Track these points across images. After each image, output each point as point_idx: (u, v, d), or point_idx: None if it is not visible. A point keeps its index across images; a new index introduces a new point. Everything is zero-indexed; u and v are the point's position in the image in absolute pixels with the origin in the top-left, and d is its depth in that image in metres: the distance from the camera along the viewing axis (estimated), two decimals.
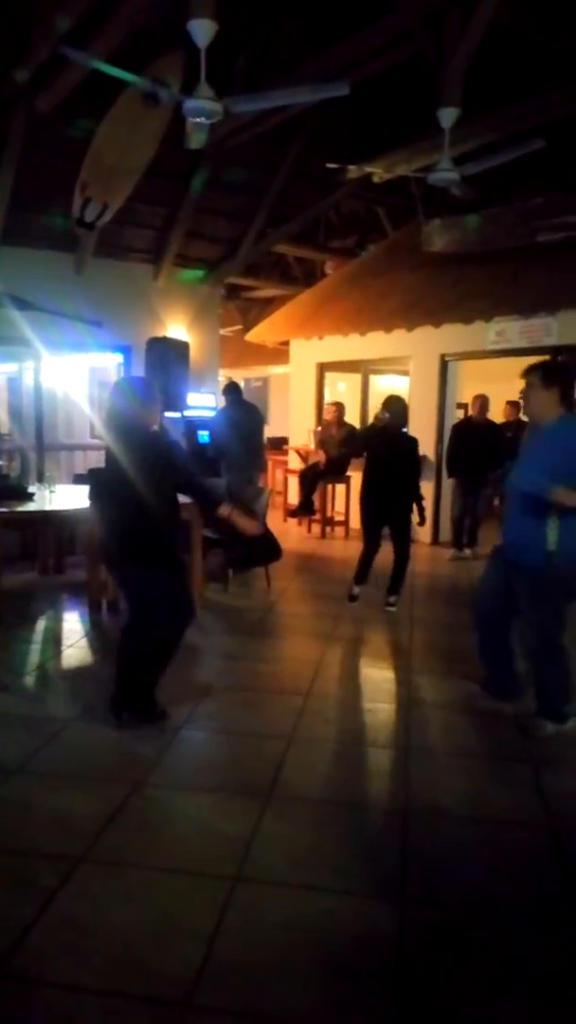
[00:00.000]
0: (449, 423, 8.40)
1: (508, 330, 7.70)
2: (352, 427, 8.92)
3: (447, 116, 5.28)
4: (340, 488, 9.15)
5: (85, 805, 2.89)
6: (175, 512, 3.62)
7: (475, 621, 3.79)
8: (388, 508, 5.75)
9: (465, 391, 9.04)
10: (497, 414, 8.61)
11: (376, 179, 7.90)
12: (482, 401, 7.84)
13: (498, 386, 9.27)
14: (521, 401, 3.61)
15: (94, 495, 4.01)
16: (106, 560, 3.74)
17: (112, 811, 2.84)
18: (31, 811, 2.87)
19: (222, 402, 7.94)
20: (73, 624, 5.42)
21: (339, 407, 9.26)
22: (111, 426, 3.53)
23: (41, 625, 5.45)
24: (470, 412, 8.09)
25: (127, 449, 3.40)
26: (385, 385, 11.30)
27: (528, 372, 3.45)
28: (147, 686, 3.62)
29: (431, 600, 6.34)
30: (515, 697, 3.74)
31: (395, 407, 5.77)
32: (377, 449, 5.77)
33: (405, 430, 6.09)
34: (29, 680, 4.33)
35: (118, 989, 2.01)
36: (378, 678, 4.44)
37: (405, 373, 9.21)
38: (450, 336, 8.14)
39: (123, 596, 3.82)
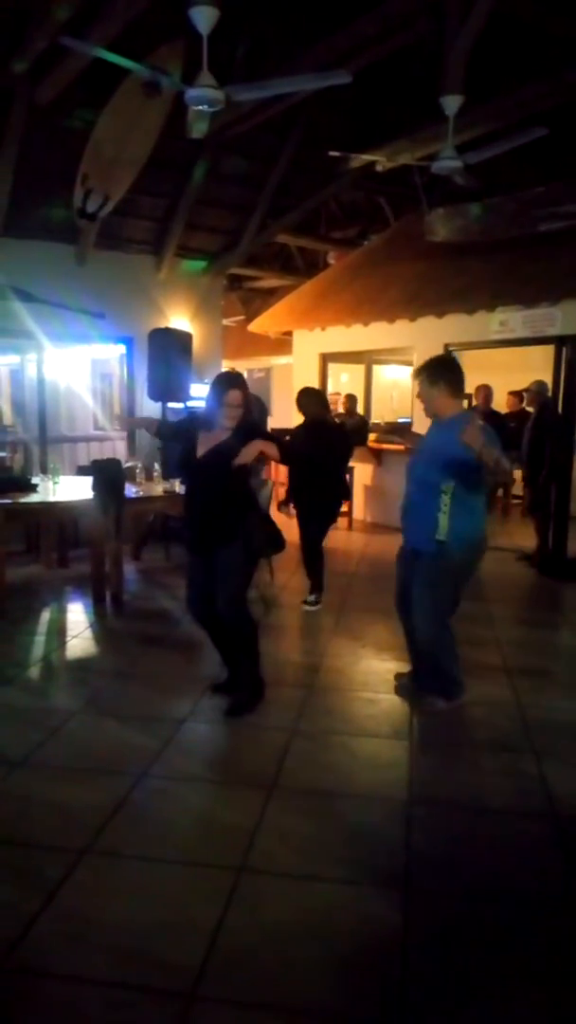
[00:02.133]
0: None
1: (511, 320, 7.66)
2: (363, 417, 8.93)
3: (450, 103, 5.23)
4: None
5: (88, 797, 2.90)
6: None
7: (403, 626, 3.94)
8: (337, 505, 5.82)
9: (469, 382, 8.99)
10: (501, 404, 8.59)
11: (379, 168, 7.84)
12: (486, 392, 7.81)
13: (502, 376, 9.24)
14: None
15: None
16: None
17: (116, 803, 2.86)
18: (34, 803, 2.88)
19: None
20: (77, 616, 5.43)
21: (349, 398, 9.28)
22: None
23: (45, 618, 5.46)
24: (474, 403, 8.06)
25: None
26: (388, 376, 11.29)
27: (416, 374, 3.63)
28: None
29: None
30: (452, 695, 3.81)
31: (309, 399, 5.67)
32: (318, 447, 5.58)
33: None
34: (33, 673, 4.34)
35: (123, 981, 2.02)
36: (381, 669, 4.44)
37: (408, 363, 9.17)
38: (453, 326, 8.10)
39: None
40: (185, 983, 2.00)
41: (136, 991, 1.99)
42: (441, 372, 3.53)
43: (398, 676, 4.13)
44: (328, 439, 5.59)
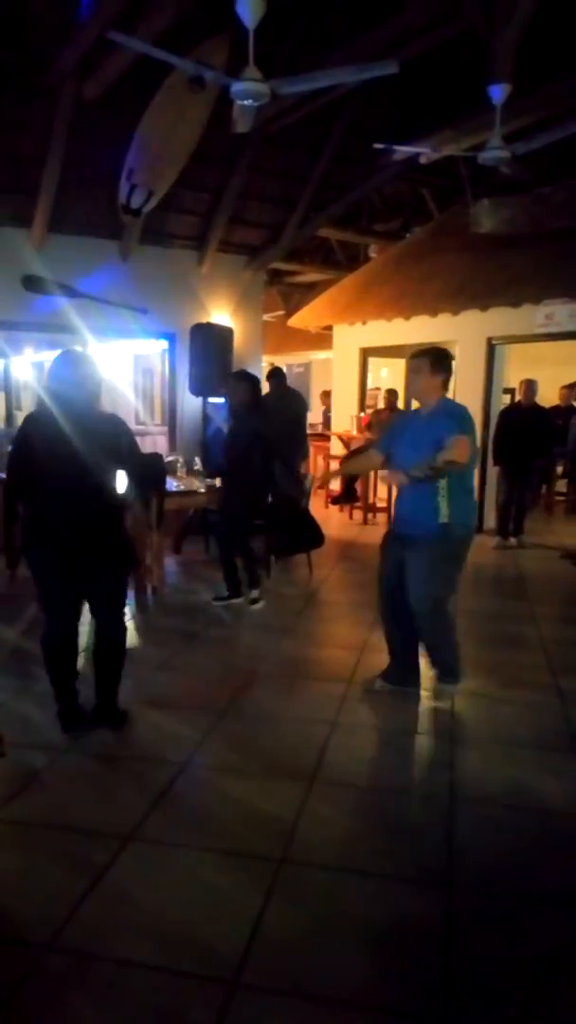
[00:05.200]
0: (496, 409, 8.26)
1: (557, 313, 7.52)
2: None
3: (499, 92, 5.14)
4: (382, 474, 9.11)
5: (132, 785, 2.94)
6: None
7: (382, 610, 3.99)
8: None
9: (512, 376, 8.87)
10: (551, 398, 8.43)
11: (423, 160, 7.75)
12: (529, 386, 7.69)
13: (547, 371, 9.08)
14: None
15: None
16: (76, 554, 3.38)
17: (159, 792, 2.89)
18: (81, 790, 2.94)
19: (266, 388, 7.91)
20: None
21: (391, 393, 9.26)
22: (63, 408, 3.17)
23: (87, 608, 5.52)
24: (518, 397, 7.94)
25: (88, 432, 3.18)
26: None
27: (417, 356, 3.71)
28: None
29: (475, 589, 6.25)
30: (411, 685, 3.93)
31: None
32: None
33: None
34: (77, 663, 4.39)
35: (167, 965, 2.04)
36: (421, 666, 4.40)
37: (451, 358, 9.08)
38: (497, 320, 7.98)
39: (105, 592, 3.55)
40: (227, 970, 2.02)
41: (180, 976, 2.01)
42: (445, 366, 3.72)
43: (367, 681, 4.02)
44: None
